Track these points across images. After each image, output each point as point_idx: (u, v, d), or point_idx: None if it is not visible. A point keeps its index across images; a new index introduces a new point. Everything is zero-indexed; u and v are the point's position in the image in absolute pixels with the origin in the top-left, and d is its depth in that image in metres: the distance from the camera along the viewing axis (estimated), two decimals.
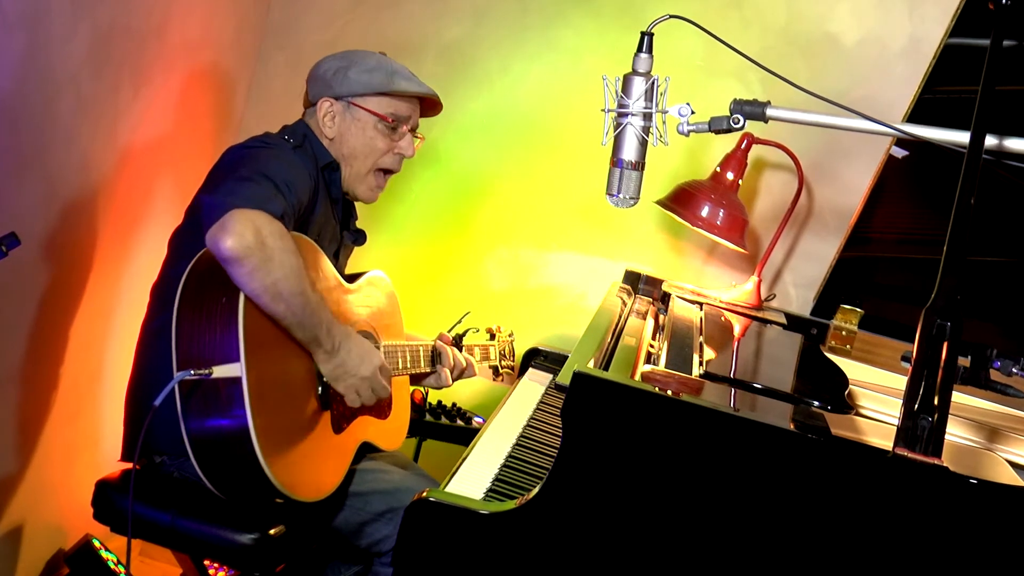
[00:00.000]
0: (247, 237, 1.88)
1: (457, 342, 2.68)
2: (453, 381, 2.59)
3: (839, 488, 1.58)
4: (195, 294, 1.98)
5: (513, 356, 2.89)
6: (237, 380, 1.91)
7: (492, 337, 2.83)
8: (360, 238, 2.48)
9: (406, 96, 2.36)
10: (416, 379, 2.57)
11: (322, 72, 2.33)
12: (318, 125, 2.32)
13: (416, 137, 2.41)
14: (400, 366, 2.39)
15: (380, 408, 2.36)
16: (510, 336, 2.89)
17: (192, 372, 1.90)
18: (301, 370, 2.09)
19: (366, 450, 2.32)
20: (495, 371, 2.83)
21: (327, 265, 2.21)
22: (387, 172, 2.40)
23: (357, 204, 2.50)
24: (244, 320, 1.93)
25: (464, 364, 2.61)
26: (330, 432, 2.16)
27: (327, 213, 2.31)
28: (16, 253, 1.85)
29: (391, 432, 2.42)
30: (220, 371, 1.92)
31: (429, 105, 2.44)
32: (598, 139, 1.90)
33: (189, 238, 2.14)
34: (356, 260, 2.59)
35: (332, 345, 2.09)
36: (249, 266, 1.90)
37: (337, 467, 2.17)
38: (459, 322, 2.73)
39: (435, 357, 2.54)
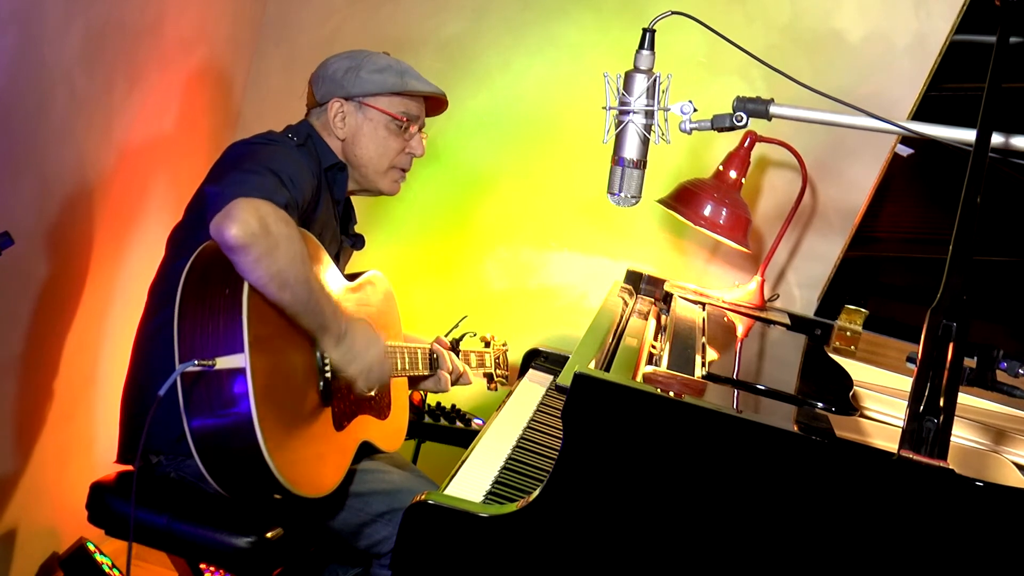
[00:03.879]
0: (252, 224, 1.87)
1: (454, 347, 2.67)
2: (451, 386, 2.58)
3: (843, 491, 1.56)
4: (198, 287, 1.96)
5: (507, 366, 2.88)
6: (241, 371, 1.90)
7: (487, 345, 2.82)
8: (359, 242, 2.48)
9: (416, 95, 2.36)
10: (414, 382, 2.56)
11: (331, 72, 2.31)
12: (326, 126, 2.31)
13: (424, 136, 2.42)
14: (399, 367, 2.38)
15: (380, 408, 2.34)
16: (503, 346, 2.88)
17: (196, 362, 1.89)
18: (303, 365, 2.08)
19: (365, 451, 2.31)
20: (489, 379, 2.82)
21: (329, 263, 2.20)
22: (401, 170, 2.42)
23: (357, 204, 2.49)
24: (248, 311, 1.92)
25: (461, 369, 2.60)
26: (331, 429, 2.14)
27: (329, 213, 2.30)
28: (9, 253, 1.84)
29: (390, 433, 2.41)
30: (223, 362, 1.90)
31: (434, 105, 2.44)
32: (599, 137, 1.89)
33: (191, 233, 2.13)
34: (357, 259, 2.57)
35: (340, 330, 2.08)
36: (255, 254, 1.88)
37: (338, 465, 2.15)
38: (456, 326, 2.72)
39: (433, 360, 2.53)
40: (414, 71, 2.36)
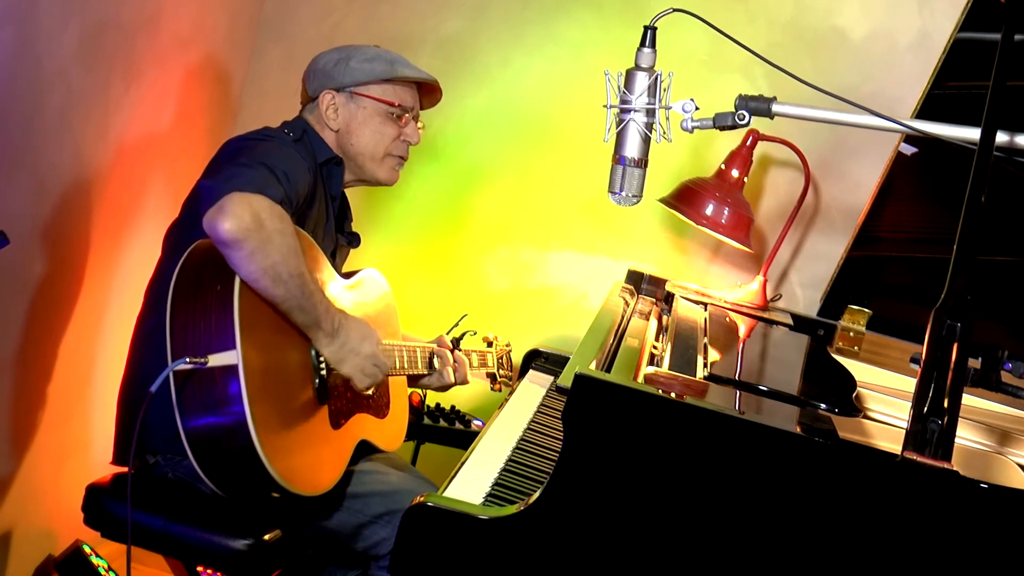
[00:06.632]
0: (245, 219, 1.86)
1: (455, 345, 2.65)
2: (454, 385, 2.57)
3: (847, 493, 1.56)
4: (190, 285, 1.95)
5: (511, 366, 2.86)
6: (233, 368, 1.89)
7: (489, 345, 2.81)
8: (354, 240, 2.47)
9: (407, 83, 2.36)
10: (416, 381, 2.54)
11: (321, 65, 2.33)
12: (320, 120, 2.31)
13: (419, 124, 2.41)
14: (397, 366, 2.37)
15: (379, 407, 2.33)
16: (507, 346, 2.86)
17: (188, 360, 1.87)
18: (297, 362, 2.07)
19: (364, 451, 2.30)
20: (492, 379, 2.81)
21: (324, 261, 2.19)
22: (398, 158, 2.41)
23: (355, 202, 2.48)
24: (240, 307, 1.91)
25: (462, 369, 2.59)
26: (328, 427, 2.13)
27: (324, 211, 2.29)
28: (5, 252, 1.83)
29: (390, 432, 2.39)
30: (216, 359, 1.89)
31: (428, 94, 2.44)
32: (600, 135, 1.88)
33: (186, 230, 2.13)
34: (354, 258, 2.56)
35: (332, 326, 2.07)
36: (247, 248, 1.88)
37: (335, 463, 2.14)
38: (456, 324, 2.70)
39: (432, 360, 2.51)
40: (404, 60, 2.37)
